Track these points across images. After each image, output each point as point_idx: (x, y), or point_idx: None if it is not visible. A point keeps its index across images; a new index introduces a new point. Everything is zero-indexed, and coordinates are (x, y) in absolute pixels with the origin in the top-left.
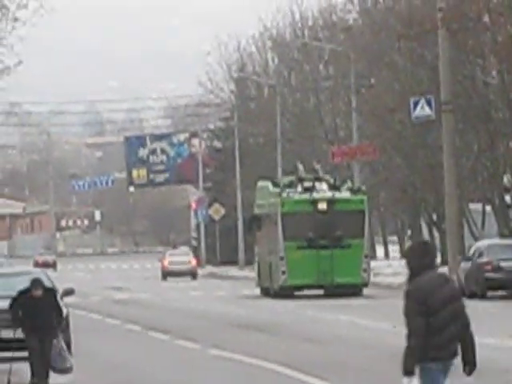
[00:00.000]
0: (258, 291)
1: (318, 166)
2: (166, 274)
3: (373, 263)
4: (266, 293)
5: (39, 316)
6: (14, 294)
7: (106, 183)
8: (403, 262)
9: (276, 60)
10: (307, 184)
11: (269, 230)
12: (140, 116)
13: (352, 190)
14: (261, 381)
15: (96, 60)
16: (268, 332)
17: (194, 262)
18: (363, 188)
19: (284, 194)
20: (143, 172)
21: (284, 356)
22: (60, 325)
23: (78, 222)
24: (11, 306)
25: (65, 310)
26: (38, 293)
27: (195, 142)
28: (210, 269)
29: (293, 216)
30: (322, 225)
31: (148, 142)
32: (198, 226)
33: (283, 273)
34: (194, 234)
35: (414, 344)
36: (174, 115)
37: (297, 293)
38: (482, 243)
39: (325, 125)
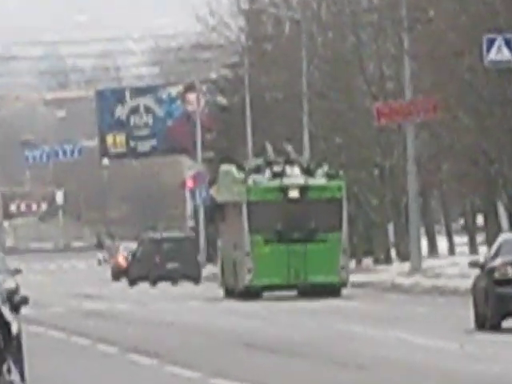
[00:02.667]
0: (221, 292)
1: (289, 147)
2: (119, 274)
3: (433, 261)
4: (230, 294)
5: None
6: None
7: (72, 154)
8: (473, 258)
9: None
10: (277, 168)
11: (233, 222)
12: (117, 63)
13: (328, 175)
14: None
15: None
16: (286, 353)
17: None
18: (341, 173)
19: (250, 180)
20: (121, 138)
21: None
22: (8, 347)
23: (34, 207)
24: None
25: (15, 327)
26: None
27: (191, 97)
28: (211, 269)
29: (260, 205)
30: (294, 215)
31: (128, 97)
32: (195, 211)
33: (249, 271)
34: (190, 223)
35: None
36: (163, 61)
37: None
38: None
39: (367, 73)
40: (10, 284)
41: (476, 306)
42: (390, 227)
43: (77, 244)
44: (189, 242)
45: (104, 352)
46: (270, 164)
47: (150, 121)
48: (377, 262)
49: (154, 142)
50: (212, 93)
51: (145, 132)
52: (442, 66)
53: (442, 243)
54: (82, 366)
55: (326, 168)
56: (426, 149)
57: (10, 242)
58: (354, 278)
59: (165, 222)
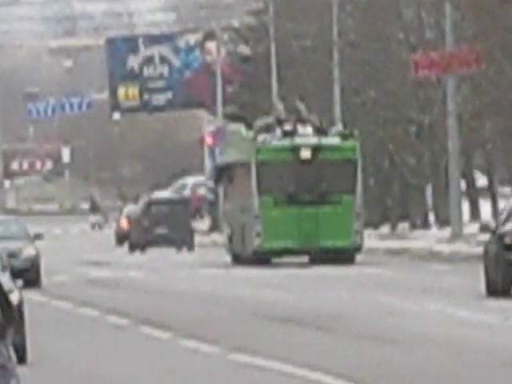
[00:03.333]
0: (228, 259)
1: (301, 105)
2: (123, 238)
3: (475, 227)
4: (238, 260)
5: None
6: None
7: (79, 107)
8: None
9: None
10: (288, 127)
11: (241, 183)
12: (129, 8)
13: (342, 135)
14: None
15: None
16: (313, 327)
17: None
18: (355, 132)
19: (259, 140)
20: (134, 90)
21: (343, 364)
22: (6, 318)
23: (38, 165)
24: None
25: (15, 296)
26: None
27: (211, 46)
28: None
29: (270, 166)
30: (306, 177)
31: (141, 46)
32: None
33: (258, 235)
34: (208, 183)
35: None
36: (181, 7)
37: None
38: None
39: (404, 22)
40: (29, 251)
41: (487, 271)
42: (428, 189)
43: (85, 206)
44: (181, 205)
45: (114, 324)
46: (280, 122)
47: (166, 72)
48: (413, 227)
49: (169, 94)
50: (234, 41)
51: (160, 84)
52: (486, 13)
53: (485, 207)
54: (90, 339)
55: (339, 127)
56: (468, 104)
57: (11, 204)
58: (388, 244)
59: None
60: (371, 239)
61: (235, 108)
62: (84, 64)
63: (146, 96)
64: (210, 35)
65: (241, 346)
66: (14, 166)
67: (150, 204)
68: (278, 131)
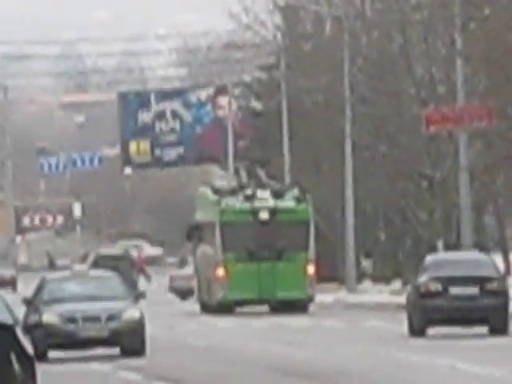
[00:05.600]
0: (197, 307)
1: (261, 172)
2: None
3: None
4: (205, 308)
5: None
6: None
7: (91, 162)
8: None
9: None
10: (248, 192)
11: (208, 241)
12: (141, 63)
13: (297, 199)
14: None
15: None
16: (329, 382)
17: None
18: (308, 196)
19: (223, 203)
20: (146, 145)
21: None
22: (29, 376)
23: (49, 220)
24: None
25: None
26: None
27: (223, 101)
28: None
29: (232, 226)
30: (264, 236)
31: (153, 101)
32: None
33: (222, 287)
34: None
35: None
36: (192, 62)
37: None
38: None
39: (415, 76)
40: (132, 313)
41: (409, 316)
42: (440, 244)
43: None
44: (125, 260)
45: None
46: (242, 187)
47: (178, 127)
48: None
49: (181, 149)
50: (245, 97)
51: (171, 139)
52: (498, 68)
53: (497, 262)
54: None
55: (295, 191)
56: (479, 159)
57: (22, 259)
58: (399, 299)
59: None
60: (382, 294)
61: (247, 164)
62: (95, 119)
63: (157, 151)
64: (221, 90)
65: None
66: (26, 221)
67: (97, 259)
68: (240, 195)
